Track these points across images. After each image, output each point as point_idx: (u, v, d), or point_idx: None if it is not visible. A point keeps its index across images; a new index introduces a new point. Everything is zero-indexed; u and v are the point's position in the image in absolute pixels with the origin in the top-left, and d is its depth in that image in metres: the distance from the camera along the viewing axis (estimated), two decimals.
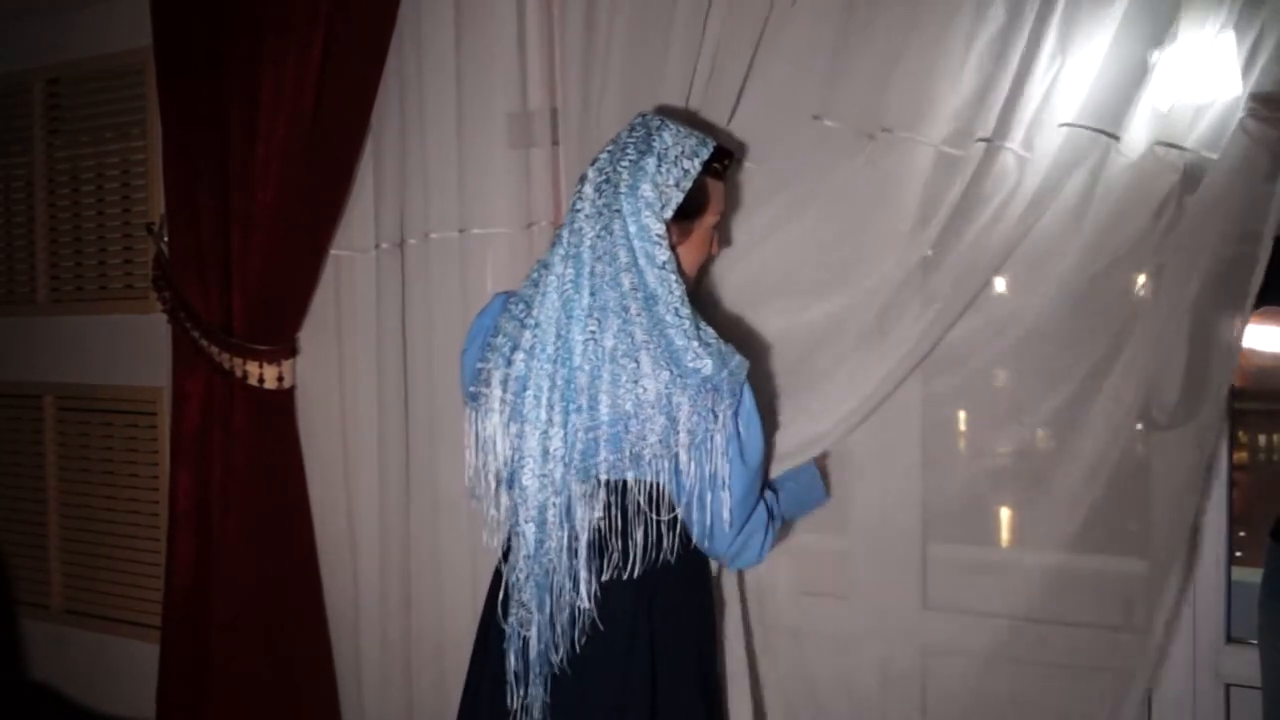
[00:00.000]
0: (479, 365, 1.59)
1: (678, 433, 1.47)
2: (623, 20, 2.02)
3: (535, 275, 1.57)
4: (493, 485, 1.59)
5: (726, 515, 1.51)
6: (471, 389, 1.60)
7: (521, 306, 1.56)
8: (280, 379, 2.53)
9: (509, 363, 1.54)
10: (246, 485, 2.53)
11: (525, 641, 1.55)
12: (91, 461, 3.17)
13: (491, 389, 1.55)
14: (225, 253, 2.51)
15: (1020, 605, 2.02)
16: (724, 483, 1.50)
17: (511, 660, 1.56)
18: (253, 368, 2.50)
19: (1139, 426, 1.88)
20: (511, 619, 1.57)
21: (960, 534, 2.17)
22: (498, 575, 1.69)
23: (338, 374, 2.53)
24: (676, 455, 1.48)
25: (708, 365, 1.46)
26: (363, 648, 2.51)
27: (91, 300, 3.15)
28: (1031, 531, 1.99)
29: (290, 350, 2.56)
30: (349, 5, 2.31)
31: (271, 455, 2.55)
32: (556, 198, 2.20)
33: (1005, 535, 2.16)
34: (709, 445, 1.48)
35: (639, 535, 1.54)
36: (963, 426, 2.14)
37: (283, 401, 2.56)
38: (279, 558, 2.54)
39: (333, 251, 2.49)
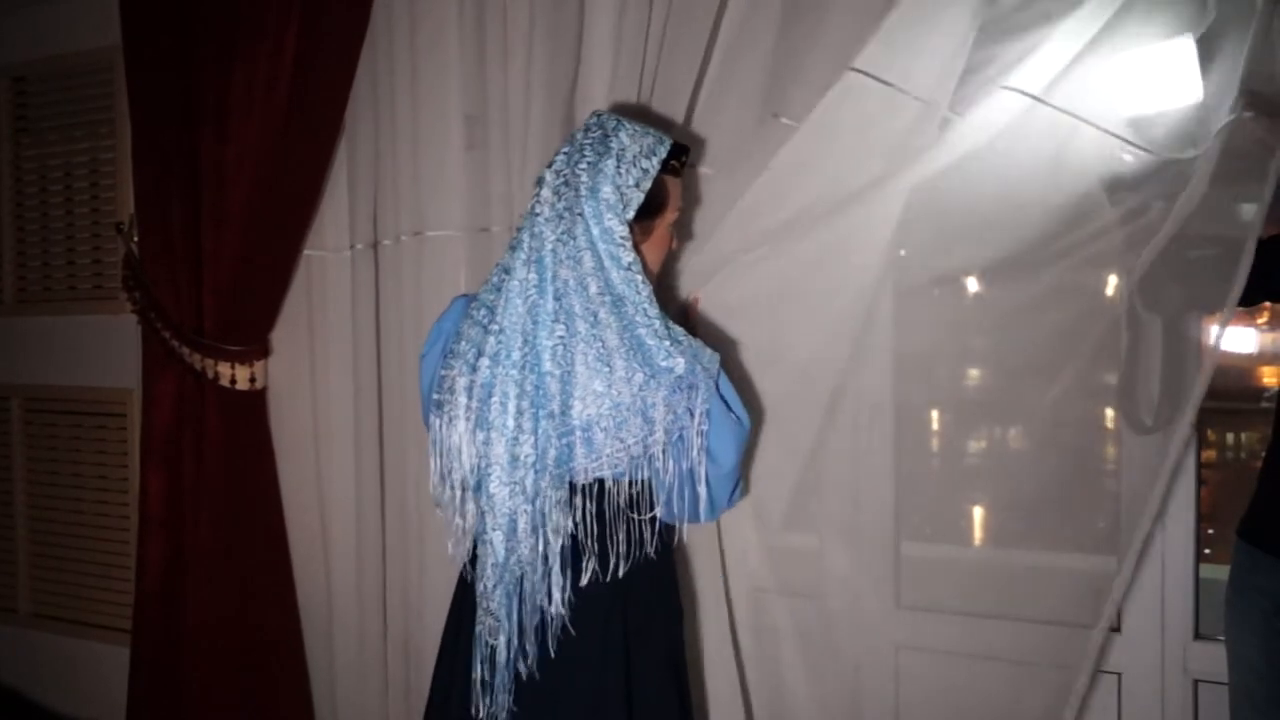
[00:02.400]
0: (442, 372, 1.57)
1: (654, 433, 1.47)
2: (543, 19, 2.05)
3: (496, 280, 1.55)
4: (458, 493, 1.57)
5: (721, 499, 1.56)
6: (435, 396, 1.58)
7: (484, 311, 1.54)
8: (252, 380, 2.51)
9: (474, 369, 1.52)
10: (218, 487, 2.50)
11: (493, 650, 1.54)
12: (60, 464, 3.14)
13: (456, 396, 1.53)
14: (196, 253, 2.49)
15: (993, 603, 2.03)
16: (702, 477, 1.51)
17: (478, 669, 1.54)
18: (224, 369, 2.48)
19: (1109, 426, 1.90)
20: (479, 627, 1.55)
21: (933, 533, 2.19)
22: (462, 584, 1.68)
23: (310, 375, 2.51)
24: (654, 455, 1.48)
25: (680, 364, 1.46)
26: (336, 649, 2.49)
27: (60, 300, 3.12)
28: (1004, 530, 2.01)
29: (262, 351, 2.54)
30: (322, 4, 2.30)
31: (243, 457, 2.53)
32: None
33: (978, 534, 2.17)
34: (685, 443, 1.49)
35: (620, 536, 1.53)
36: (935, 426, 2.15)
37: (254, 403, 2.54)
38: (251, 560, 2.52)
39: (306, 252, 2.48)
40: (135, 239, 2.65)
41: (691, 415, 1.48)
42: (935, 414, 2.12)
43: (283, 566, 2.57)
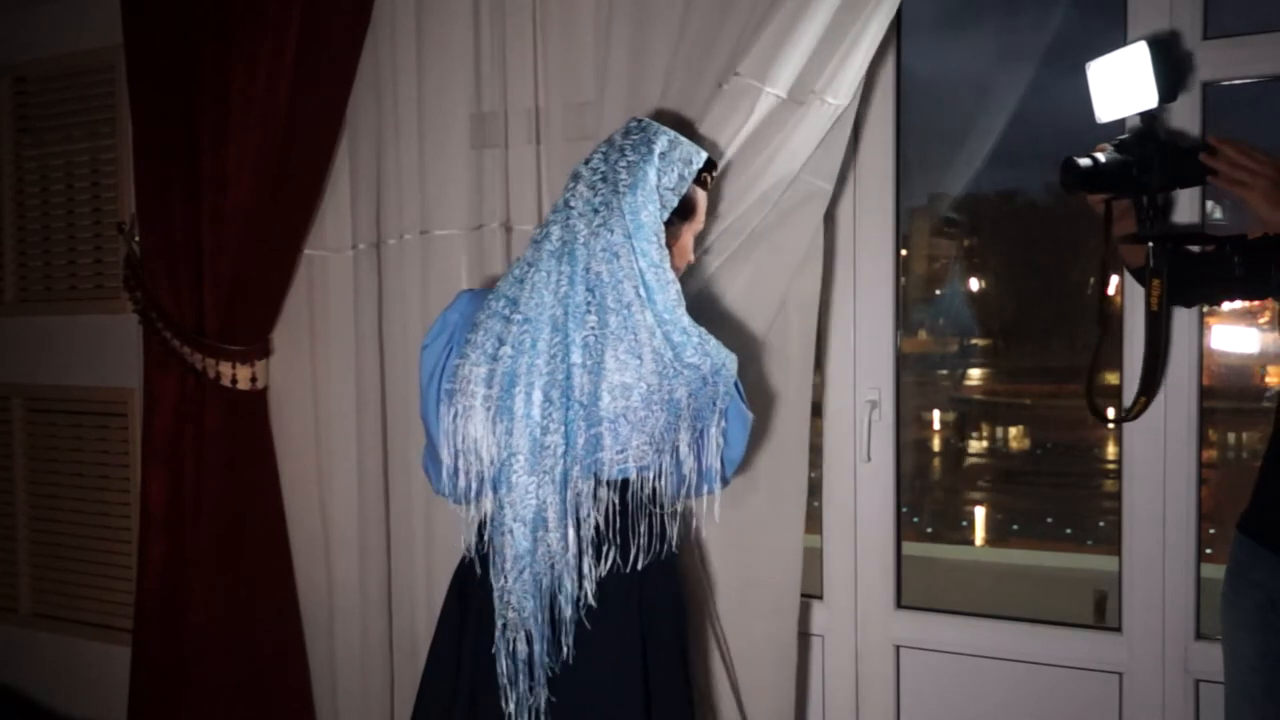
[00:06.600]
0: (456, 361, 1.57)
1: (679, 427, 1.50)
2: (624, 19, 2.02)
3: (519, 272, 1.55)
4: (474, 486, 1.56)
5: (727, 477, 1.61)
6: (447, 386, 1.58)
7: (504, 302, 1.54)
8: (253, 379, 2.51)
9: (494, 358, 1.52)
10: (219, 487, 2.51)
11: (514, 643, 1.53)
12: (61, 463, 3.14)
13: (472, 386, 1.53)
14: (197, 252, 2.49)
15: (992, 603, 2.04)
16: (718, 471, 1.56)
17: (503, 664, 1.53)
18: (225, 368, 2.48)
19: (1110, 426, 1.91)
20: (500, 621, 1.54)
21: (933, 533, 2.19)
22: (461, 580, 1.67)
23: (310, 375, 2.51)
24: (677, 448, 1.52)
25: (707, 362, 1.50)
26: (337, 649, 2.49)
27: (61, 300, 3.12)
28: (1004, 530, 2.01)
29: (263, 351, 2.54)
30: (322, 3, 2.30)
31: (244, 456, 2.53)
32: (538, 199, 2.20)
33: (978, 534, 2.18)
34: (706, 439, 1.53)
35: (642, 528, 1.55)
36: (937, 425, 2.15)
37: (255, 402, 2.54)
38: (252, 559, 2.52)
39: (307, 251, 2.47)
40: (136, 238, 2.65)
41: (713, 411, 1.52)
42: (937, 414, 2.13)
43: (283, 566, 2.57)
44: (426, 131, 2.26)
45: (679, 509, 1.60)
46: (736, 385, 1.56)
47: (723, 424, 1.54)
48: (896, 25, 2.12)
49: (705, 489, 1.58)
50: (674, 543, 1.61)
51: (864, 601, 2.19)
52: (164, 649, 2.57)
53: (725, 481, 1.61)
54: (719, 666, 2.03)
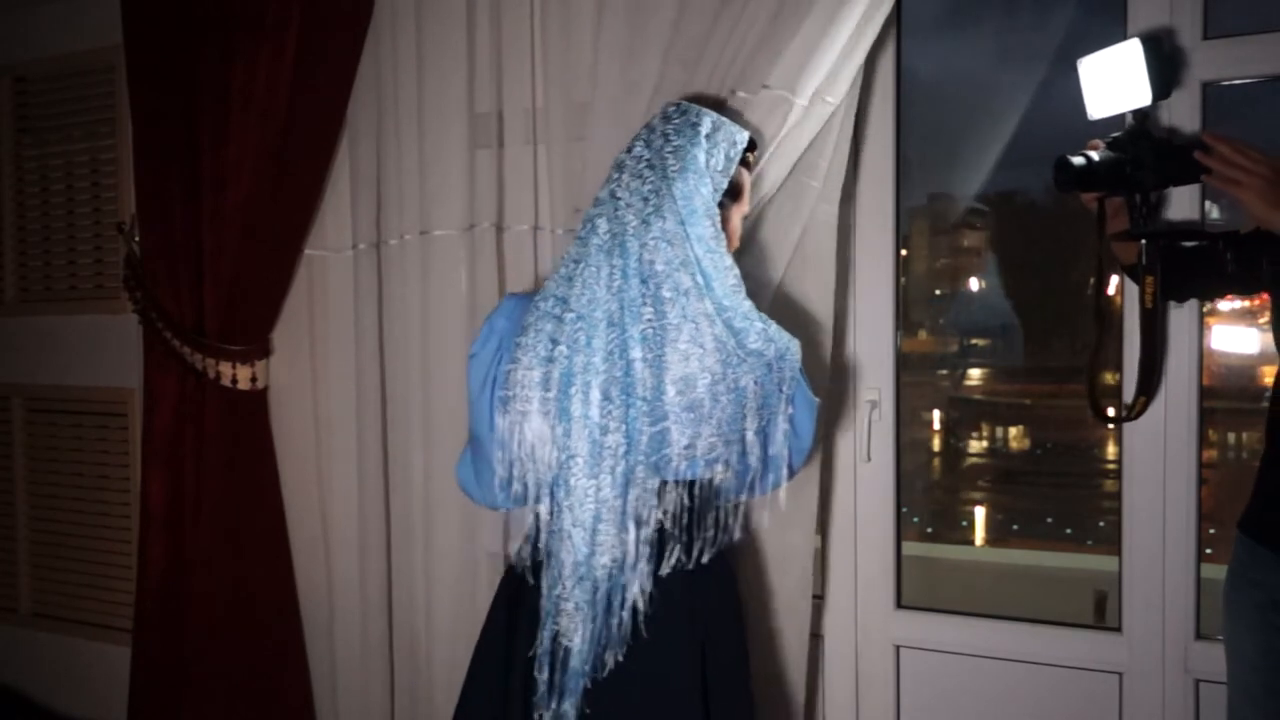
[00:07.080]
0: (508, 367, 1.51)
1: (746, 417, 1.46)
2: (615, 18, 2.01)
3: (566, 270, 1.51)
4: (531, 492, 1.51)
5: (796, 469, 1.57)
6: (501, 393, 1.52)
7: (553, 302, 1.50)
8: (253, 379, 2.51)
9: (549, 360, 1.47)
10: (219, 487, 2.51)
11: (567, 652, 1.48)
12: (61, 463, 3.14)
13: (529, 390, 1.48)
14: (197, 252, 2.49)
15: (992, 603, 2.04)
16: (786, 458, 1.50)
17: (545, 672, 1.48)
18: (225, 368, 2.48)
19: (1110, 426, 1.91)
20: (551, 628, 1.49)
21: (933, 533, 2.19)
22: (512, 588, 1.61)
23: (311, 375, 2.51)
24: (744, 438, 1.47)
25: (771, 348, 1.46)
26: (338, 649, 2.49)
27: (61, 300, 3.12)
28: (1004, 530, 2.01)
29: (263, 351, 2.54)
30: (322, 3, 2.30)
31: (244, 457, 2.53)
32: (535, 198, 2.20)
33: (978, 534, 2.18)
34: (773, 428, 1.48)
35: (709, 521, 1.51)
36: (937, 425, 2.16)
37: (255, 402, 2.54)
38: (252, 560, 2.52)
39: (307, 251, 2.47)
40: (136, 238, 2.65)
41: (780, 398, 1.47)
42: (937, 414, 2.13)
43: (283, 566, 2.57)
44: (426, 131, 2.25)
45: (741, 504, 1.54)
46: (800, 371, 1.51)
47: (790, 410, 1.49)
48: (896, 25, 2.12)
49: (772, 481, 1.52)
50: (734, 536, 1.55)
51: (864, 601, 2.19)
52: (164, 649, 2.57)
53: (793, 473, 1.55)
54: None
